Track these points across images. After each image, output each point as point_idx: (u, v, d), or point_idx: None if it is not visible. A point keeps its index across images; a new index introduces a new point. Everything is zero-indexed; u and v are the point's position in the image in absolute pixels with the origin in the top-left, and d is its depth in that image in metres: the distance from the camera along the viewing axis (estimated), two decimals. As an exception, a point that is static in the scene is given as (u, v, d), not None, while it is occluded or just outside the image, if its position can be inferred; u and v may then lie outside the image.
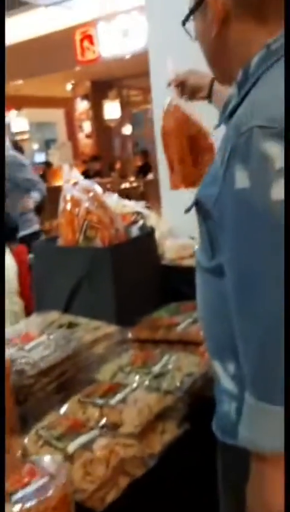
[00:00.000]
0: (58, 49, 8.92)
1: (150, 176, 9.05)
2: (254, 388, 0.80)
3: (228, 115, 0.89)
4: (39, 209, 4.17)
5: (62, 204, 1.79)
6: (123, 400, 1.14)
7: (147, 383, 1.20)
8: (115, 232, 1.79)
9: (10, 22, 6.27)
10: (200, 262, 0.96)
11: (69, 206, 1.76)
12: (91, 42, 8.98)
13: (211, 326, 0.97)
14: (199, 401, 1.21)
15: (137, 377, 1.22)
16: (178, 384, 1.19)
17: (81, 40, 9.04)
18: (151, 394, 1.15)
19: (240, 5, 0.85)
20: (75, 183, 1.84)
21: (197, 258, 0.98)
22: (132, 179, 10.23)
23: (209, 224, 0.88)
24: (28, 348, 1.36)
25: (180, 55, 2.34)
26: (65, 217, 1.78)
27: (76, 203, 1.76)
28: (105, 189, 1.78)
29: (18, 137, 10.50)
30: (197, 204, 0.90)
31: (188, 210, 0.94)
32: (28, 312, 2.36)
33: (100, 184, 2.03)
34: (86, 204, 1.75)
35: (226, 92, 1.40)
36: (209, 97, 1.44)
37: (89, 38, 8.96)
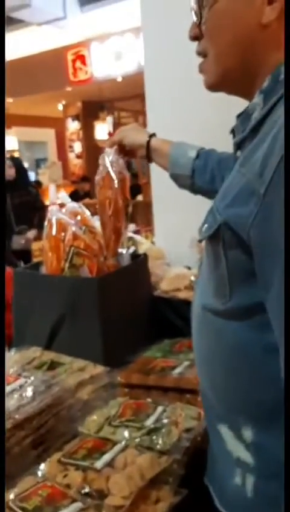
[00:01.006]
0: (50, 68, 8.87)
1: (139, 197, 8.92)
2: None
3: (254, 125, 0.75)
4: None
5: (47, 228, 1.63)
6: (110, 463, 0.97)
7: (138, 440, 1.03)
8: (104, 260, 1.64)
9: (1, 40, 6.17)
10: (209, 305, 0.80)
11: (54, 231, 1.60)
12: (83, 63, 8.95)
13: (220, 385, 0.81)
14: (198, 458, 1.04)
15: (127, 433, 1.05)
16: (175, 442, 1.02)
17: (74, 60, 9.01)
18: (143, 455, 0.98)
19: None
20: (62, 206, 1.69)
21: (203, 301, 0.82)
22: (122, 200, 10.10)
23: (231, 255, 0.72)
24: (2, 394, 1.19)
25: (177, 76, 2.26)
26: (50, 242, 1.61)
27: (62, 227, 1.60)
28: (94, 210, 1.63)
29: (7, 156, 10.39)
30: (219, 229, 0.73)
31: (202, 239, 0.78)
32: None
33: (90, 205, 1.88)
34: (73, 228, 1.59)
35: (165, 149, 1.30)
36: (148, 157, 1.37)
37: (82, 58, 8.94)
